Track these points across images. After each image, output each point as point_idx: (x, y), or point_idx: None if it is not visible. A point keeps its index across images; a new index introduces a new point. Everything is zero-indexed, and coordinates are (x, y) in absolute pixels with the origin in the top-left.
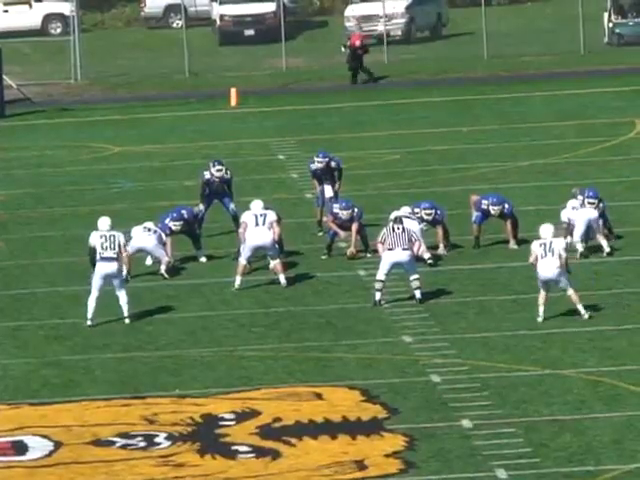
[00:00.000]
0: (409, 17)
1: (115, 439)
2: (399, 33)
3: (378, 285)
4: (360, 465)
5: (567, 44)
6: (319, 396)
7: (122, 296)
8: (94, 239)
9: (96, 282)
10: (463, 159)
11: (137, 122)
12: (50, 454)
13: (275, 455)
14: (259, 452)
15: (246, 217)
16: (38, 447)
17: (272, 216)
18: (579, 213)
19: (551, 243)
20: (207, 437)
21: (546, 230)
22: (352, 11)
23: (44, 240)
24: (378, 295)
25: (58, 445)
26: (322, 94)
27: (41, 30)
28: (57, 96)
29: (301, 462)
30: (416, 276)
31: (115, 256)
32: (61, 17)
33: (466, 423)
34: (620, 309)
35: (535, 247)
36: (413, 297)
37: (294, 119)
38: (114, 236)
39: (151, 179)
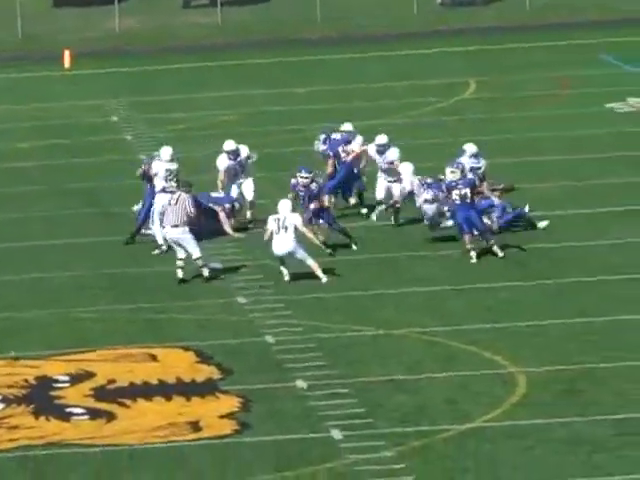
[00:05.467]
0: None
1: None
2: None
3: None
4: (195, 426)
5: (400, 5)
6: (154, 357)
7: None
8: (271, 224)
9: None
10: (298, 120)
11: None
12: None
13: (110, 417)
14: (93, 414)
15: None
16: None
17: None
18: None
19: (285, 218)
20: (42, 399)
21: (284, 206)
22: None
23: None
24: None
25: None
26: (157, 55)
27: None
28: None
29: (136, 423)
30: (197, 255)
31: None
32: None
33: (300, 384)
34: (454, 269)
35: (270, 223)
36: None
37: (128, 81)
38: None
39: None
